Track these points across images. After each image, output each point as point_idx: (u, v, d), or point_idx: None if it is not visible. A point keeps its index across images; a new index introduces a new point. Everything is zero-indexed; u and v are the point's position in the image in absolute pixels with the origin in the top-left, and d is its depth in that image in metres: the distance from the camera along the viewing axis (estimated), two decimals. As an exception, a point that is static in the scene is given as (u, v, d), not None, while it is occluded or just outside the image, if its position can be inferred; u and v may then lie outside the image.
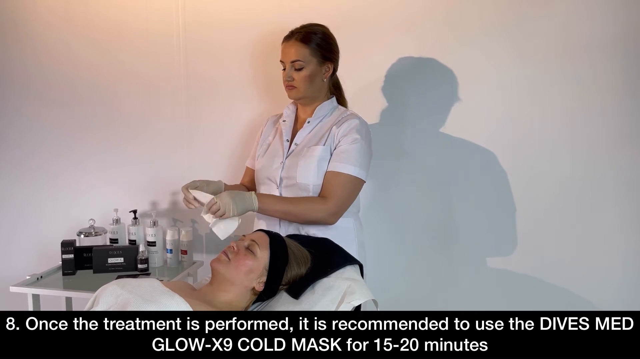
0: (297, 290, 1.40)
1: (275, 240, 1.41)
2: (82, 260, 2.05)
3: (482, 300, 2.02)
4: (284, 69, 1.67)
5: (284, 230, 1.67)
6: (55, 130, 2.40)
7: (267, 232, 1.44)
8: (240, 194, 1.52)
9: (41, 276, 2.00)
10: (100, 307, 1.27)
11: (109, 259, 2.02)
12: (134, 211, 2.15)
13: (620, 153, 1.89)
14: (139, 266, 2.00)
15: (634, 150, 1.88)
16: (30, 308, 1.92)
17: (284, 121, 1.75)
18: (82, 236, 2.13)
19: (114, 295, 1.28)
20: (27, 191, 2.47)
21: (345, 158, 1.58)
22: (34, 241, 2.45)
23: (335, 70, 1.72)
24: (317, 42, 1.64)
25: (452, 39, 1.97)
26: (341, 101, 1.77)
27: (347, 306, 1.34)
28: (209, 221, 1.53)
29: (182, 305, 1.22)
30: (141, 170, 2.33)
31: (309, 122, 1.69)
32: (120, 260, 2.03)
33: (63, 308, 2.14)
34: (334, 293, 1.37)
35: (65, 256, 2.01)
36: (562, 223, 1.95)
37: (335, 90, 1.76)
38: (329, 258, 1.46)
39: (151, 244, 2.09)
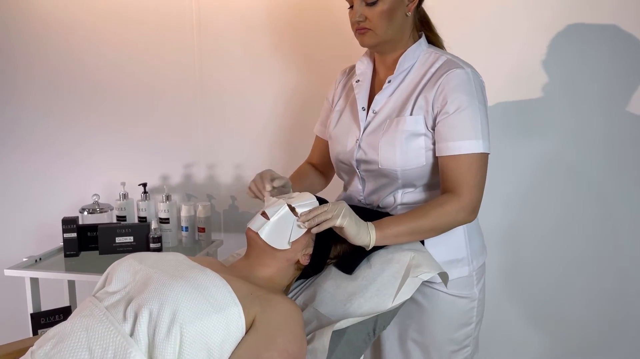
0: (348, 264, 1.19)
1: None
2: (87, 240, 1.89)
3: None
4: (351, 7, 1.25)
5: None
6: (57, 99, 2.21)
7: (314, 196, 1.20)
8: (358, 218, 1.13)
9: (40, 258, 1.83)
10: (114, 286, 1.03)
11: (116, 238, 1.85)
12: (144, 185, 1.97)
13: None
14: (151, 245, 1.82)
15: None
16: (29, 294, 1.73)
17: (358, 81, 1.34)
18: (86, 213, 1.95)
19: (131, 271, 1.05)
20: (24, 165, 2.28)
21: (460, 132, 1.18)
22: (32, 221, 2.28)
23: None
24: None
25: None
26: (433, 40, 1.34)
27: (415, 282, 1.11)
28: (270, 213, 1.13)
29: (216, 281, 0.99)
30: (150, 140, 2.14)
31: (390, 81, 1.27)
32: (130, 239, 1.85)
33: (65, 294, 1.96)
34: (395, 267, 1.15)
35: (67, 235, 1.84)
36: None
37: (423, 27, 1.33)
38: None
39: (164, 221, 1.91)
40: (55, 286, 1.96)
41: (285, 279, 1.17)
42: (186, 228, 1.92)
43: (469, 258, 1.31)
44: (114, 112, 2.15)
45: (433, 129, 1.22)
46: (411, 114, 1.23)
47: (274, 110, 2.00)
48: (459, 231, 1.29)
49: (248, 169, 2.05)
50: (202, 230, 1.92)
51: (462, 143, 1.17)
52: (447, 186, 1.19)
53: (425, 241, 1.25)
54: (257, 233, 1.12)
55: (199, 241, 1.94)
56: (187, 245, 1.92)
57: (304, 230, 1.12)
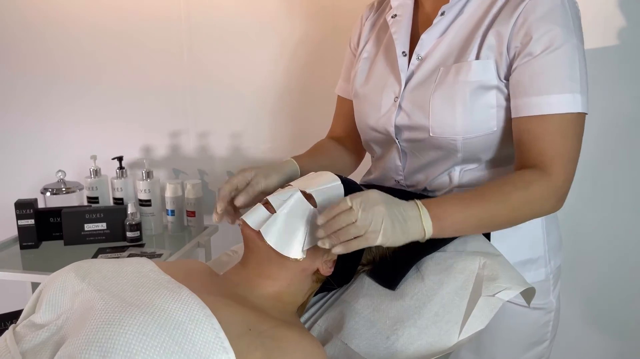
0: (389, 274, 0.86)
1: (351, 191, 0.85)
2: (49, 227, 1.61)
3: None
4: None
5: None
6: (10, 55, 1.91)
7: (339, 177, 0.86)
8: (399, 206, 0.78)
9: (-11, 251, 1.54)
10: (42, 315, 0.70)
11: (85, 225, 1.59)
12: (119, 159, 1.71)
13: None
14: (129, 234, 1.57)
15: None
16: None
17: (395, 16, 1.01)
18: (49, 194, 1.68)
19: (69, 292, 0.72)
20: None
21: (551, 82, 0.86)
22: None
23: None
24: None
25: None
26: None
27: (492, 303, 0.78)
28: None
29: (195, 312, 0.65)
30: (128, 104, 1.86)
31: (443, 14, 0.94)
32: (102, 225, 1.60)
33: (28, 291, 1.64)
34: (458, 279, 0.84)
35: (22, 222, 1.55)
36: None
37: None
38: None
39: (145, 203, 1.66)
40: (13, 287, 1.67)
41: (299, 296, 0.83)
42: (172, 211, 1.66)
43: (546, 256, 1.01)
44: (82, 69, 1.86)
45: (508, 79, 0.88)
46: (477, 58, 0.89)
47: (278, 66, 1.70)
48: (536, 221, 0.97)
49: (248, 139, 1.77)
50: (191, 214, 1.66)
51: (553, 98, 0.85)
52: (529, 160, 0.88)
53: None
54: (258, 233, 0.77)
55: (188, 228, 1.68)
56: (174, 233, 1.66)
57: None
